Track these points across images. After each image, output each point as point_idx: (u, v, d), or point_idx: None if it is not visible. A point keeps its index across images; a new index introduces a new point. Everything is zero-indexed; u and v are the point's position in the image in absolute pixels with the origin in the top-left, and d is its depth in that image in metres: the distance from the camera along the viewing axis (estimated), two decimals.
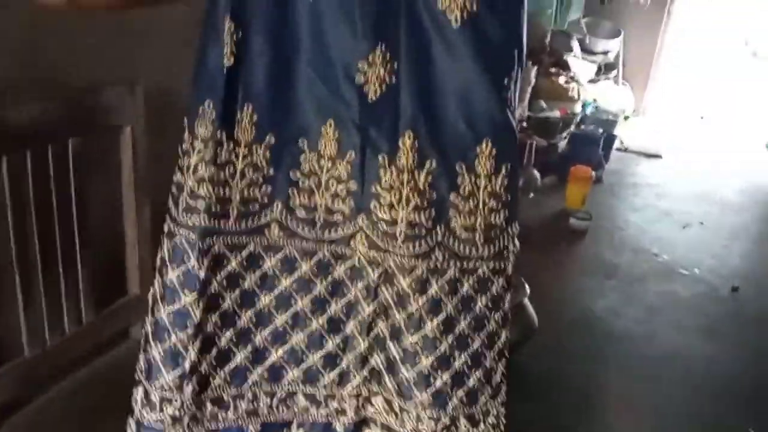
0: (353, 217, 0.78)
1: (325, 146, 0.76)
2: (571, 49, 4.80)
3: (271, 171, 0.78)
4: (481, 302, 0.82)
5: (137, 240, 1.29)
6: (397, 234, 0.76)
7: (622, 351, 2.36)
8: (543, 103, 4.44)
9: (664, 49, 5.73)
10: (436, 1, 0.70)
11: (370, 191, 0.76)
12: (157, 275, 0.83)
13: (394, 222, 0.76)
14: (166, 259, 0.81)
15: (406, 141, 0.74)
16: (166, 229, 0.83)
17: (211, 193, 0.76)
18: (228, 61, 0.71)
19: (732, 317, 2.69)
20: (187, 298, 0.79)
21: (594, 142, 4.21)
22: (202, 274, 0.78)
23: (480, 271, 0.80)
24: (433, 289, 0.79)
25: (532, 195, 3.75)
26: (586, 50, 5.12)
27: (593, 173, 3.75)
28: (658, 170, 4.54)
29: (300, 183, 0.79)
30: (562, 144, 4.34)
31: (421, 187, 0.75)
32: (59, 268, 1.15)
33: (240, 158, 0.76)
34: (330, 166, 0.76)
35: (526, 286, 2.24)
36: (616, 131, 4.74)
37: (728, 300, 2.84)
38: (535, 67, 4.28)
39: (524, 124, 4.10)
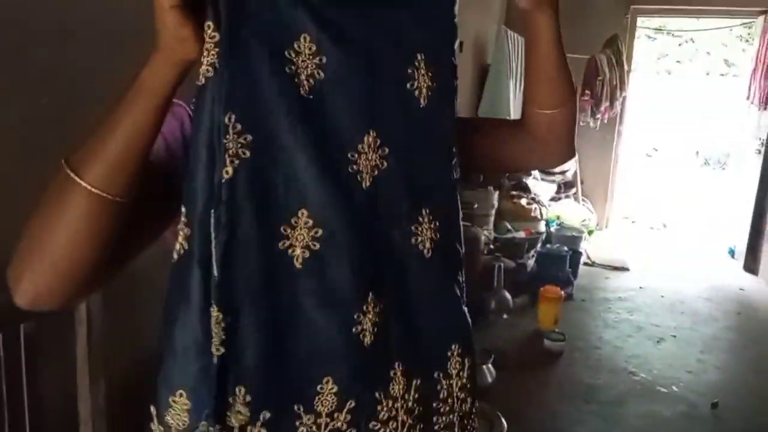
0: None
1: (322, 404, 0.70)
2: (529, 173, 5.02)
3: None
4: None
5: (91, 418, 1.25)
6: None
7: None
8: (508, 225, 4.57)
9: (618, 165, 6.03)
10: (410, 239, 0.74)
11: (368, 429, 0.73)
12: None
13: None
14: None
15: (397, 371, 0.74)
16: None
17: None
18: (218, 351, 0.63)
19: None
20: None
21: (561, 260, 4.30)
22: None
23: None
24: None
25: (505, 316, 3.76)
26: (544, 171, 5.36)
27: (563, 292, 3.80)
28: (626, 283, 4.62)
29: None
30: (530, 263, 4.42)
31: (411, 407, 0.76)
32: None
33: None
34: (328, 422, 0.71)
35: (503, 422, 2.20)
36: (582, 246, 4.86)
37: (709, 418, 2.80)
38: (497, 191, 4.44)
39: (491, 246, 4.20)
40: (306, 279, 0.67)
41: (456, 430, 0.82)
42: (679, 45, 10.01)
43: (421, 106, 0.72)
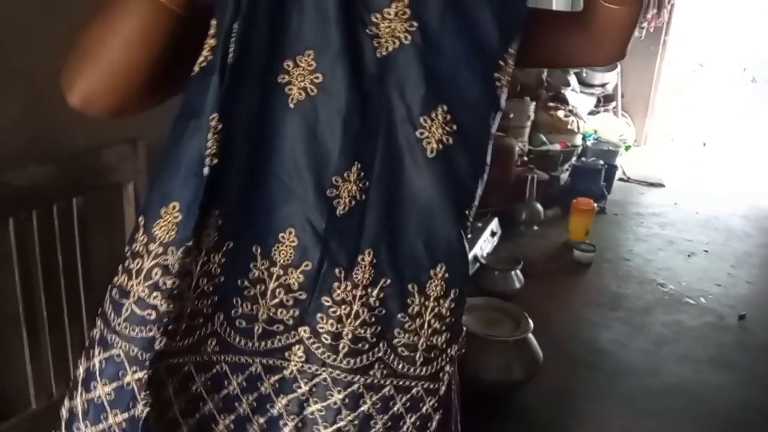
0: (295, 327, 0.75)
1: (279, 254, 0.72)
2: (568, 84, 4.88)
3: (222, 279, 0.72)
4: (409, 421, 0.80)
5: None
6: (340, 348, 0.75)
7: (629, 385, 2.35)
8: (543, 137, 4.50)
9: (661, 79, 5.81)
10: (415, 129, 0.71)
11: (319, 303, 0.74)
12: (80, 388, 0.72)
13: (338, 336, 0.75)
14: (96, 372, 0.71)
15: (366, 258, 0.73)
16: (97, 336, 0.72)
17: (166, 306, 0.67)
18: (211, 162, 0.64)
19: (739, 346, 2.68)
20: (117, 418, 0.70)
21: (596, 174, 4.25)
22: (138, 394, 0.69)
23: (414, 390, 0.79)
24: (367, 405, 0.77)
25: (536, 228, 3.78)
26: (584, 83, 5.21)
27: (595, 205, 3.78)
28: (660, 198, 4.56)
29: (245, 291, 0.73)
30: (564, 176, 4.38)
31: (372, 303, 0.74)
32: (65, 323, 1.19)
33: (198, 267, 0.69)
34: (281, 273, 0.73)
35: (530, 321, 2.26)
36: (618, 161, 4.78)
37: (735, 329, 2.83)
38: (534, 103, 4.35)
39: (525, 158, 4.15)
40: (296, 121, 0.68)
41: (418, 355, 0.78)
42: None
43: None
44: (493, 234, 3.31)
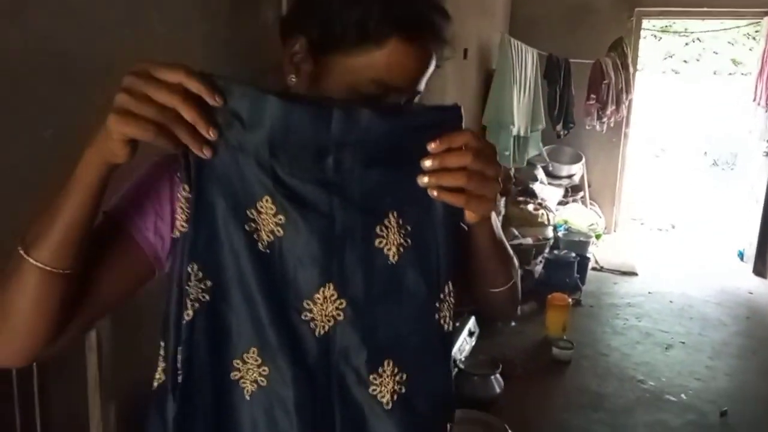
0: None
1: None
2: (536, 178, 5.02)
3: None
4: None
5: None
6: None
7: None
8: (515, 231, 4.58)
9: (626, 168, 6.01)
10: (367, 388, 0.75)
11: None
12: None
13: None
14: None
15: None
16: None
17: None
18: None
19: None
20: None
21: (569, 266, 4.30)
22: None
23: None
24: None
25: (513, 324, 3.76)
26: (551, 175, 5.37)
27: (570, 299, 3.80)
28: (634, 288, 4.61)
29: None
30: (538, 269, 4.42)
31: None
32: None
33: None
34: None
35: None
36: (590, 251, 4.86)
37: (718, 427, 2.80)
38: (504, 198, 4.45)
39: None
40: (253, 410, 0.73)
41: None
42: (686, 44, 9.97)
43: (390, 262, 0.74)
44: (471, 334, 3.29)
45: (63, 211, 0.65)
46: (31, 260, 0.65)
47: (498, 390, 2.86)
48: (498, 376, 2.89)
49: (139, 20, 1.46)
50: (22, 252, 0.66)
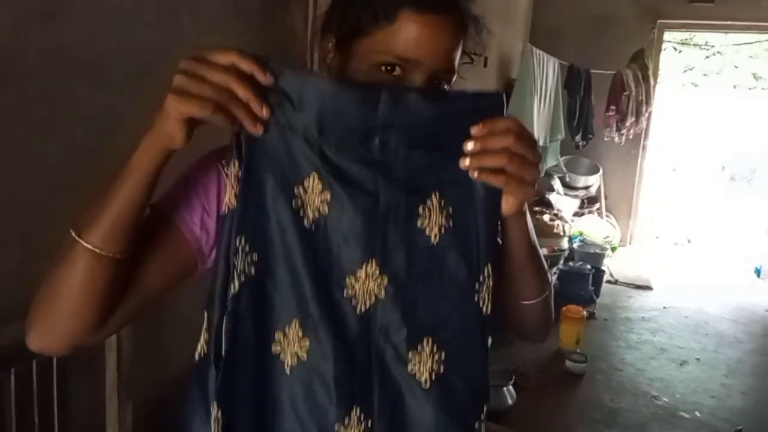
0: None
1: None
2: (552, 189, 4.99)
3: None
4: None
5: None
6: None
7: None
8: None
9: (643, 180, 5.96)
10: (405, 366, 0.75)
11: None
12: None
13: None
14: None
15: None
16: None
17: None
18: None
19: None
20: None
21: (584, 278, 4.26)
22: None
23: None
24: None
25: None
26: (568, 186, 5.33)
27: (584, 311, 3.77)
28: (649, 302, 4.56)
29: None
30: (553, 280, 4.38)
31: None
32: None
33: None
34: None
35: None
36: (605, 264, 4.81)
37: None
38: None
39: None
40: (293, 384, 0.74)
41: None
42: (706, 57, 9.90)
43: (432, 243, 0.74)
44: None
45: (117, 197, 0.67)
46: (83, 242, 0.67)
47: (510, 401, 2.83)
48: (511, 387, 2.87)
49: (170, 22, 1.47)
50: (74, 234, 0.67)
